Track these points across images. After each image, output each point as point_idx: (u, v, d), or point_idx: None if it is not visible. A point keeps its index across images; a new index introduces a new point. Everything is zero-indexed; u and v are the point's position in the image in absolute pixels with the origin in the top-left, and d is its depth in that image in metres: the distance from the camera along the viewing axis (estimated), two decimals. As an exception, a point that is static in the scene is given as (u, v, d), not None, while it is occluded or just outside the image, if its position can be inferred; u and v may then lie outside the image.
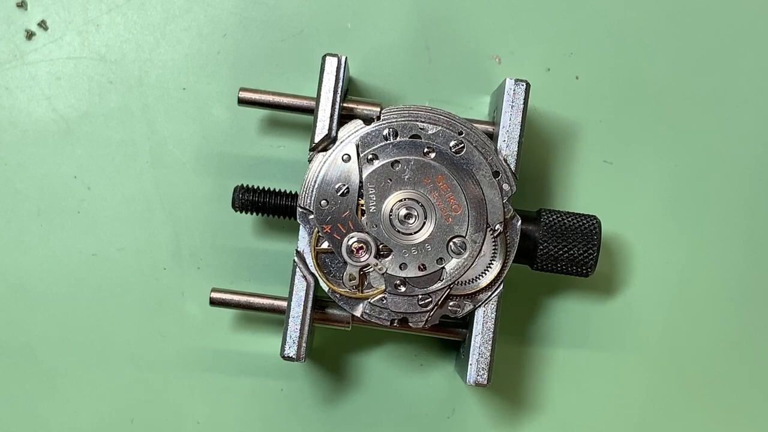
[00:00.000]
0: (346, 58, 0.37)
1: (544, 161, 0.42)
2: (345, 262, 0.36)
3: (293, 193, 0.38)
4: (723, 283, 0.42)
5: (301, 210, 0.36)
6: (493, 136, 0.38)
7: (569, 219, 0.38)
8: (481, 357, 0.36)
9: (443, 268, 0.36)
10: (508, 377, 0.41)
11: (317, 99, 0.36)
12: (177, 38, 0.41)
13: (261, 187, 0.38)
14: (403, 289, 0.36)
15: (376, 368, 0.41)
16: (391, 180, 0.36)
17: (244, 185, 0.38)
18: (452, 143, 0.36)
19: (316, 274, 0.36)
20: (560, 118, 0.42)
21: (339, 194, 0.36)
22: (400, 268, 0.36)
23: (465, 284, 0.36)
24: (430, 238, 0.36)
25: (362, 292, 0.36)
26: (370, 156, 0.36)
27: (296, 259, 0.36)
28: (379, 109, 0.37)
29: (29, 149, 0.41)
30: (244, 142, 0.41)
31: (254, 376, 0.41)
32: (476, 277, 0.36)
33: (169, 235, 0.41)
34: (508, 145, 0.37)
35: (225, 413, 0.41)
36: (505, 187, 0.36)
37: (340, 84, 0.36)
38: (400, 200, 0.36)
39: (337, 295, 0.36)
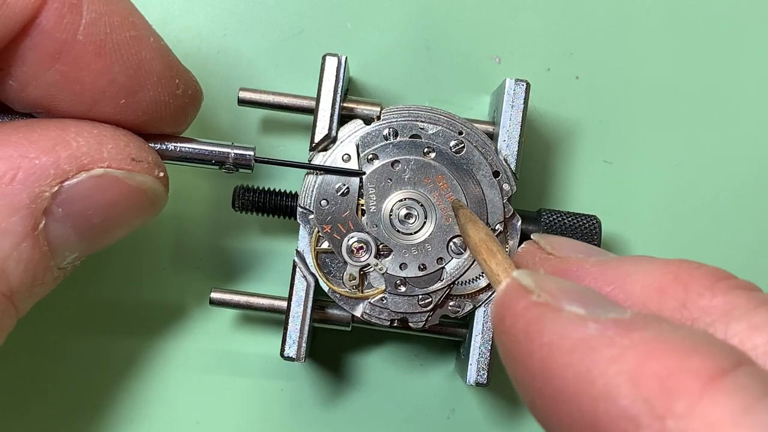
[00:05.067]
0: (346, 58, 0.37)
1: (544, 161, 0.42)
2: (345, 262, 0.36)
3: (293, 193, 0.38)
4: (723, 283, 0.42)
5: (301, 210, 0.36)
6: (493, 136, 0.38)
7: (569, 219, 0.38)
8: (481, 357, 0.36)
9: (443, 268, 0.36)
10: (509, 377, 0.41)
11: (317, 99, 0.36)
12: (177, 38, 0.41)
13: (261, 187, 0.38)
14: (403, 289, 0.36)
15: (376, 368, 0.41)
16: (391, 180, 0.36)
17: (244, 185, 0.38)
18: (452, 143, 0.36)
19: (316, 274, 0.36)
20: (560, 118, 0.42)
21: (339, 194, 0.36)
22: (400, 268, 0.36)
23: (465, 284, 0.36)
24: (430, 238, 0.36)
25: (362, 292, 0.36)
26: (370, 156, 0.36)
27: (296, 259, 0.36)
28: (379, 109, 0.37)
29: (29, 149, 0.41)
30: (244, 142, 0.41)
31: (254, 376, 0.41)
32: (476, 277, 0.36)
33: (169, 235, 0.41)
34: (508, 145, 0.37)
35: (225, 413, 0.41)
36: (505, 187, 0.36)
37: (340, 84, 0.36)
38: (400, 200, 0.36)
39: (337, 295, 0.36)
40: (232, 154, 0.35)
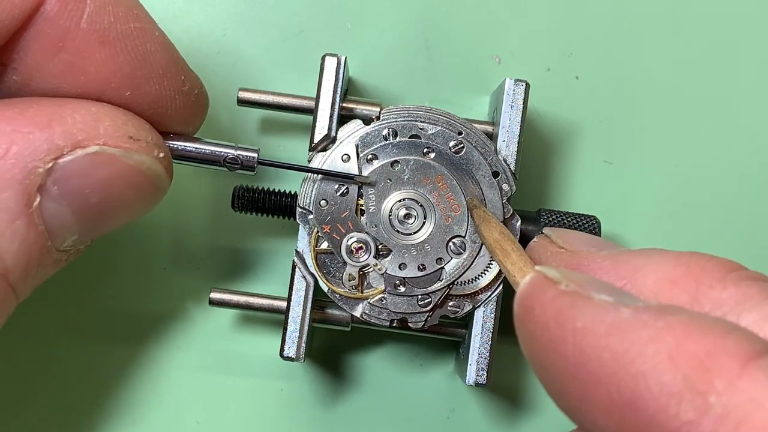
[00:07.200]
0: (345, 58, 0.37)
1: (544, 161, 0.42)
2: (344, 262, 0.36)
3: (293, 193, 0.38)
4: (723, 284, 0.42)
5: (300, 210, 0.36)
6: (492, 136, 0.38)
7: (569, 219, 0.38)
8: (481, 357, 0.36)
9: (443, 268, 0.36)
10: (508, 377, 0.41)
11: (317, 99, 0.36)
12: (177, 38, 0.41)
13: (260, 187, 0.38)
14: (402, 289, 0.36)
15: (376, 368, 0.41)
16: (390, 180, 0.36)
17: (244, 185, 0.38)
18: (452, 143, 0.36)
19: (316, 275, 0.36)
20: (560, 118, 0.42)
21: (338, 194, 0.36)
22: (400, 268, 0.36)
23: (464, 284, 0.36)
24: (429, 238, 0.36)
25: (362, 293, 0.36)
26: (369, 156, 0.36)
27: (296, 259, 0.36)
28: (378, 109, 0.37)
29: (29, 149, 0.41)
30: (244, 142, 0.41)
31: (254, 376, 0.41)
32: (476, 277, 0.36)
33: (169, 235, 0.41)
34: (507, 145, 0.37)
35: (225, 413, 0.41)
36: (505, 187, 0.36)
37: (340, 84, 0.36)
38: (400, 200, 0.36)
39: (337, 296, 0.36)
40: (236, 155, 0.35)
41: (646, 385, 0.21)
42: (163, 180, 0.33)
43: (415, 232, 0.36)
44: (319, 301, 0.38)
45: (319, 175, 0.36)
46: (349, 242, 0.36)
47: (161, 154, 0.32)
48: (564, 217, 0.38)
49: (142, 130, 0.32)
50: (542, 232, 0.33)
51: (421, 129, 0.36)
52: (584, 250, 0.30)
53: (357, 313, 0.36)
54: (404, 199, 0.36)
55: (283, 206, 0.38)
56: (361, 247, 0.36)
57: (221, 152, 0.35)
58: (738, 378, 0.21)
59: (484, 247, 0.36)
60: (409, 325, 0.36)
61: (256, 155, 0.35)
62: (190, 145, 0.34)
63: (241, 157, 0.35)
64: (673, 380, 0.21)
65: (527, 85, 0.37)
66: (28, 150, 0.29)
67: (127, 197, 0.32)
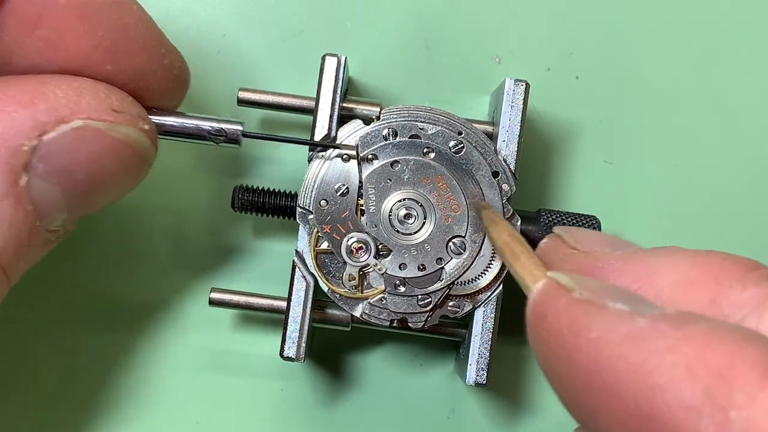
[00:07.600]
0: (345, 58, 0.37)
1: (544, 161, 0.42)
2: (344, 262, 0.36)
3: (293, 193, 0.38)
4: (723, 284, 0.42)
5: (300, 210, 0.36)
6: (492, 136, 0.38)
7: (569, 219, 0.38)
8: (481, 357, 0.36)
9: (443, 268, 0.36)
10: (508, 377, 0.41)
11: (317, 99, 0.36)
12: (177, 38, 0.41)
13: (261, 187, 0.38)
14: (402, 289, 0.36)
15: (376, 368, 0.41)
16: (390, 180, 0.36)
17: (244, 185, 0.38)
18: (452, 143, 0.36)
19: (316, 275, 0.36)
20: (560, 118, 0.42)
21: (338, 194, 0.36)
22: (400, 268, 0.36)
23: (464, 284, 0.36)
24: (429, 238, 0.36)
25: (362, 293, 0.36)
26: (369, 156, 0.36)
27: (296, 259, 0.36)
28: (378, 109, 0.37)
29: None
30: (244, 142, 0.41)
31: (254, 376, 0.41)
32: (476, 277, 0.36)
33: (169, 235, 0.41)
34: (507, 145, 0.37)
35: (225, 413, 0.41)
36: (505, 187, 0.36)
37: (340, 84, 0.36)
38: (400, 200, 0.36)
39: (337, 296, 0.36)
40: (220, 128, 0.34)
41: (664, 399, 0.21)
42: (149, 152, 0.32)
43: (415, 232, 0.36)
44: (319, 301, 0.38)
45: (319, 175, 0.36)
46: (349, 242, 0.36)
47: (146, 126, 0.32)
48: (564, 217, 0.38)
49: (125, 103, 0.31)
50: (553, 231, 0.32)
51: (421, 129, 0.36)
52: (598, 251, 0.29)
53: (357, 313, 0.36)
54: (404, 199, 0.36)
55: (283, 206, 0.38)
56: (361, 247, 0.36)
57: (205, 125, 0.34)
58: (759, 390, 0.20)
59: (483, 247, 0.36)
60: (409, 325, 0.36)
61: (241, 127, 0.34)
62: (174, 119, 0.34)
63: (225, 129, 0.34)
64: (692, 394, 0.20)
65: (527, 85, 0.37)
66: (12, 129, 0.28)
67: (114, 171, 0.31)
